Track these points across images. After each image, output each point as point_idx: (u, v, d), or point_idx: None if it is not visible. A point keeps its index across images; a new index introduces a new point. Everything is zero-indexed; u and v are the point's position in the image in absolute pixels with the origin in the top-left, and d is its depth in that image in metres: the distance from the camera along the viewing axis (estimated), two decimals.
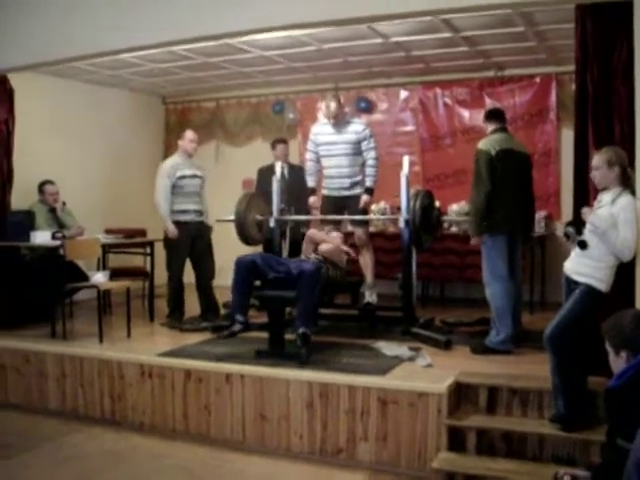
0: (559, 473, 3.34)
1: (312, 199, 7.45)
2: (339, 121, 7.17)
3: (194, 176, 7.59)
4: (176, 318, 7.48)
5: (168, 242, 7.48)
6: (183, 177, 7.47)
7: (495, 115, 6.30)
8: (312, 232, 6.69)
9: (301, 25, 6.28)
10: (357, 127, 7.22)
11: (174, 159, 7.65)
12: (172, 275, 7.52)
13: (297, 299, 5.96)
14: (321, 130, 7.34)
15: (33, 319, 7.41)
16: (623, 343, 3.01)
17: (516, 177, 6.07)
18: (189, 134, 7.72)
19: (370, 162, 7.24)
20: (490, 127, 6.21)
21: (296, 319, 5.93)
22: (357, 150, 7.21)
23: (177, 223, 7.41)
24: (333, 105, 7.06)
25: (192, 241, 7.49)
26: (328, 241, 6.76)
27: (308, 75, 9.58)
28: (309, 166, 7.51)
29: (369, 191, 7.24)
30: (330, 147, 7.30)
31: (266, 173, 8.61)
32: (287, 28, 6.44)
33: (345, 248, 6.86)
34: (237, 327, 6.01)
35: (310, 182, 7.52)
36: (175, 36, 6.44)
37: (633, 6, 4.71)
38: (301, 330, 5.75)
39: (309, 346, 5.78)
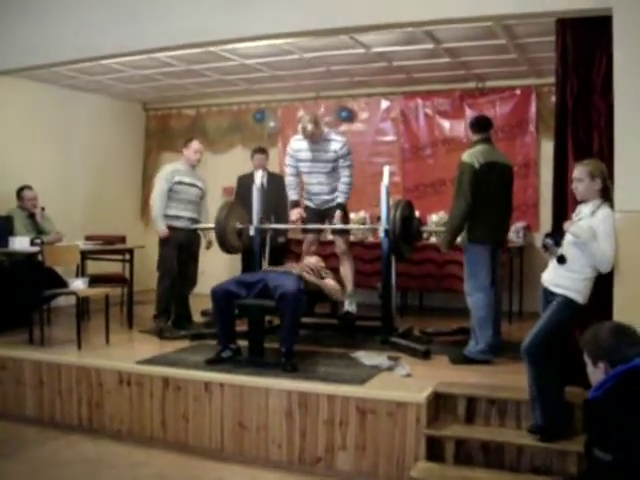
0: None
1: (295, 213, 7.42)
2: (316, 140, 7.15)
3: (192, 185, 7.55)
4: (164, 320, 7.40)
5: (161, 243, 7.46)
6: (180, 183, 7.43)
7: (481, 124, 6.26)
8: (306, 277, 6.60)
9: (284, 35, 6.35)
10: (335, 145, 7.12)
11: (176, 165, 7.62)
12: (162, 275, 7.47)
13: (280, 320, 6.06)
14: (300, 146, 7.25)
15: (11, 325, 7.33)
16: (601, 355, 3.04)
17: (499, 189, 6.11)
18: (195, 144, 7.65)
19: (344, 179, 7.20)
20: (475, 136, 6.21)
21: (280, 339, 5.93)
22: (336, 166, 7.20)
23: (169, 228, 7.38)
24: (310, 127, 6.95)
25: (180, 248, 7.46)
26: (323, 287, 6.71)
27: (290, 84, 9.59)
28: (290, 180, 7.46)
29: (341, 207, 7.22)
30: (310, 165, 7.25)
31: (245, 182, 8.63)
32: (270, 37, 6.52)
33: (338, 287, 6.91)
34: (226, 353, 6.04)
35: (292, 195, 7.48)
36: (158, 44, 6.50)
37: (612, 20, 4.77)
38: (284, 349, 5.82)
39: (293, 360, 5.80)
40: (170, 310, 7.49)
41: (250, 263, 8.11)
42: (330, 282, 6.76)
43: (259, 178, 7.51)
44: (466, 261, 6.11)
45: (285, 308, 5.83)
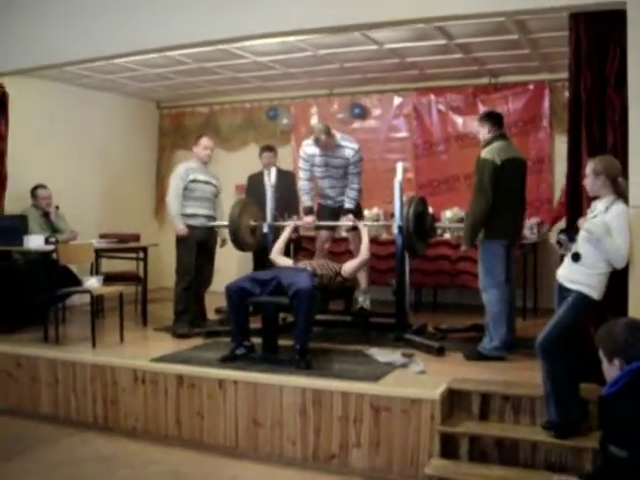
0: None
1: (309, 219, 7.44)
2: (329, 148, 7.16)
3: (207, 182, 7.52)
4: (185, 322, 7.31)
5: (178, 243, 7.43)
6: (195, 181, 7.40)
7: (494, 119, 6.21)
8: (320, 272, 6.59)
9: (297, 32, 6.39)
10: (348, 152, 7.17)
11: (189, 163, 7.59)
12: (181, 277, 7.40)
13: (294, 317, 6.05)
14: (313, 152, 7.28)
15: (26, 323, 7.39)
16: (616, 351, 3.02)
17: (517, 185, 6.10)
18: (204, 141, 7.61)
19: (354, 186, 7.27)
20: (487, 131, 6.14)
21: (295, 337, 5.92)
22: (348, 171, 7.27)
23: (186, 227, 7.35)
24: (323, 137, 7.00)
25: (198, 246, 7.44)
26: (341, 271, 6.67)
27: (303, 81, 9.59)
28: (304, 185, 7.50)
29: (351, 212, 7.26)
30: (324, 169, 7.33)
31: (255, 180, 8.68)
32: (283, 35, 6.53)
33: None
34: (240, 351, 6.06)
35: (307, 202, 7.51)
36: (172, 42, 6.52)
37: (626, 15, 4.75)
38: (298, 346, 5.82)
39: (307, 357, 5.80)
40: (189, 311, 7.41)
41: (262, 261, 8.14)
42: (346, 264, 6.74)
43: (272, 176, 7.52)
44: (482, 257, 6.09)
45: (299, 306, 5.83)
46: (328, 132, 7.05)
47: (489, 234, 5.95)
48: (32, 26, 7.01)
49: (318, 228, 7.62)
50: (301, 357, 5.77)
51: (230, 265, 9.28)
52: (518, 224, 6.29)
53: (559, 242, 4.69)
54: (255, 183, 8.65)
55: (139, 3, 6.54)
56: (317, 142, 7.09)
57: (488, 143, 6.10)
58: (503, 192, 5.88)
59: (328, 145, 7.11)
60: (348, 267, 6.65)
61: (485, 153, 5.98)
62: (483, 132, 6.18)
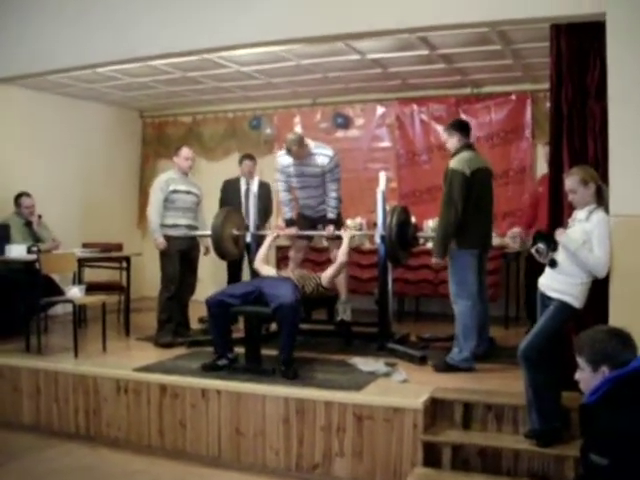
0: None
1: (291, 231, 7.44)
2: (302, 157, 7.14)
3: (188, 192, 7.51)
4: (168, 332, 7.29)
5: (161, 253, 7.41)
6: (176, 191, 7.40)
7: (462, 127, 6.22)
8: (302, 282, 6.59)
9: (280, 42, 6.42)
10: (322, 160, 7.13)
11: (169, 174, 7.57)
12: (165, 287, 7.39)
13: (278, 330, 6.07)
14: (287, 162, 7.27)
15: (7, 333, 7.34)
16: (602, 359, 3.02)
17: (487, 195, 6.14)
18: (184, 151, 7.59)
19: (332, 194, 7.26)
20: (457, 140, 6.13)
21: (280, 349, 5.89)
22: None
23: (167, 237, 7.33)
24: (294, 147, 6.98)
25: (180, 256, 7.43)
26: (322, 282, 6.63)
27: (286, 90, 9.61)
28: (283, 197, 7.49)
29: (333, 222, 7.26)
30: (300, 180, 7.31)
31: (231, 186, 8.72)
32: (266, 45, 6.57)
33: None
34: (223, 362, 6.05)
35: (287, 213, 7.53)
36: (155, 51, 6.54)
37: (606, 26, 4.79)
38: (283, 357, 5.83)
39: (293, 367, 5.82)
40: (172, 320, 7.40)
41: (236, 270, 8.17)
42: (324, 273, 6.73)
43: (255, 186, 7.53)
44: (452, 268, 6.07)
45: (282, 320, 5.84)
46: (299, 142, 7.02)
47: (459, 244, 5.95)
48: (15, 34, 7.00)
49: (302, 237, 7.59)
50: (287, 367, 5.77)
51: (215, 274, 9.27)
52: (488, 233, 6.32)
53: (537, 251, 4.70)
54: (230, 188, 8.67)
55: (122, 13, 6.53)
56: (289, 153, 7.09)
57: (456, 152, 6.11)
58: (473, 202, 5.90)
59: (300, 155, 7.09)
60: (326, 275, 6.64)
61: (455, 163, 5.97)
62: (452, 141, 6.17)
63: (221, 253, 7.26)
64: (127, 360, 6.64)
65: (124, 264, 8.31)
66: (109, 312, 7.37)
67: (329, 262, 7.46)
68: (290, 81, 9.04)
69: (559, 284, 4.57)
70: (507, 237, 7.30)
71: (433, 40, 7.09)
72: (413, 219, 7.15)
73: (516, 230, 7.53)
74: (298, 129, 9.91)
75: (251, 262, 7.22)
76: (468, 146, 6.17)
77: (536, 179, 8.40)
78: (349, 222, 8.55)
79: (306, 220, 7.52)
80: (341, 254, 6.67)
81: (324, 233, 7.30)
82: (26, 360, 6.61)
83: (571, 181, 4.60)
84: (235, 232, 7.30)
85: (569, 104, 5.14)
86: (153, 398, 5.89)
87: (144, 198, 10.10)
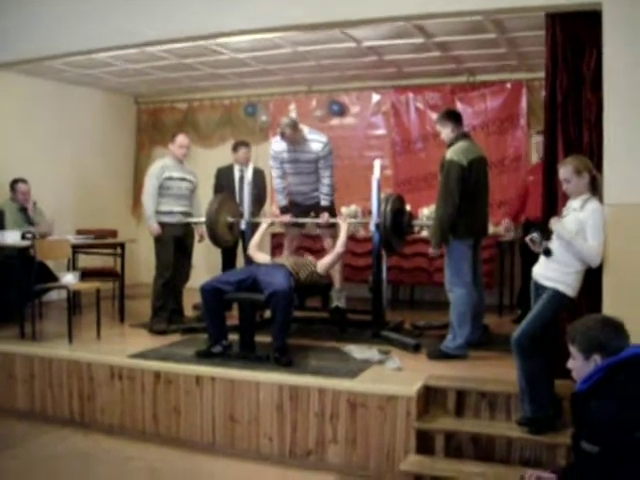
0: (525, 475, 3.37)
1: (285, 219, 7.42)
2: (296, 142, 7.12)
3: (183, 179, 7.52)
4: (163, 318, 7.31)
5: (156, 240, 7.43)
6: (170, 178, 7.40)
7: (455, 118, 6.22)
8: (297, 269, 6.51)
9: (275, 29, 6.38)
10: (316, 146, 7.10)
11: (164, 160, 7.58)
12: (160, 273, 7.41)
13: (272, 317, 6.06)
14: (281, 147, 7.23)
15: (2, 320, 7.34)
16: (595, 347, 3.03)
17: (483, 184, 6.15)
18: (180, 139, 7.56)
19: (325, 181, 7.23)
20: (450, 130, 6.12)
21: (273, 336, 5.92)
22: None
23: (162, 224, 7.35)
24: (288, 131, 6.94)
25: (175, 242, 7.44)
26: (317, 268, 6.62)
27: (281, 77, 9.59)
28: (277, 183, 7.48)
29: (327, 209, 7.24)
30: (293, 166, 7.27)
31: (225, 174, 8.70)
32: (261, 32, 6.55)
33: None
34: (217, 349, 6.07)
35: (281, 201, 7.53)
36: (150, 37, 6.49)
37: (602, 15, 4.79)
38: (277, 345, 5.84)
39: (287, 354, 5.84)
40: (167, 307, 7.42)
41: (231, 257, 8.17)
42: (321, 261, 6.72)
43: (249, 173, 7.52)
44: (448, 257, 6.08)
45: (276, 306, 5.85)
46: (294, 126, 6.99)
47: (456, 234, 5.97)
48: (9, 20, 6.96)
49: (295, 225, 7.58)
50: (281, 354, 5.78)
51: (209, 261, 9.27)
52: (484, 222, 6.33)
53: (532, 240, 4.71)
54: (224, 176, 8.65)
55: None
56: (283, 136, 7.03)
57: (452, 142, 6.11)
58: (469, 192, 5.91)
59: (294, 139, 7.05)
60: (322, 263, 6.64)
61: (451, 154, 5.96)
62: (446, 132, 6.16)
63: (216, 240, 7.27)
64: (121, 346, 6.65)
65: (118, 250, 8.31)
66: (103, 298, 7.38)
67: (323, 250, 7.47)
68: (286, 68, 9.03)
69: (553, 273, 4.58)
70: (501, 226, 7.37)
71: (429, 28, 7.08)
72: (408, 207, 7.15)
73: (507, 221, 7.58)
74: (293, 116, 9.89)
75: (245, 249, 7.22)
76: (464, 135, 6.17)
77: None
78: (344, 210, 8.55)
79: (297, 207, 7.50)
80: (339, 244, 6.67)
81: (319, 220, 7.26)
82: (20, 346, 6.62)
83: (565, 170, 4.60)
84: (229, 219, 7.29)
85: (564, 93, 5.13)
86: (147, 385, 5.90)
87: (139, 185, 10.09)
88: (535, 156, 7.87)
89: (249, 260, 6.96)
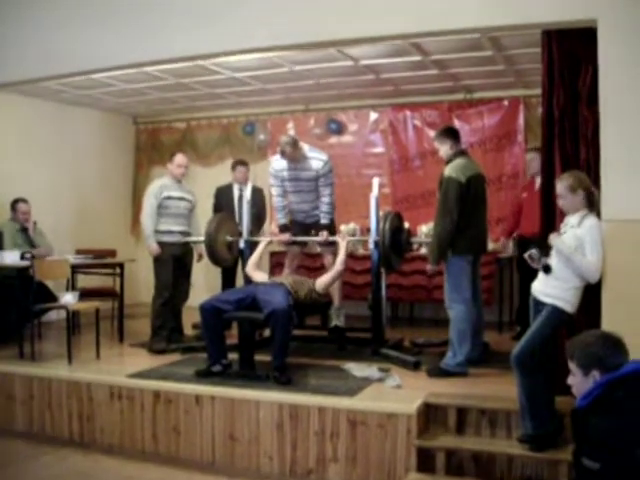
0: None
1: (284, 237, 7.43)
2: (296, 160, 7.12)
3: (181, 198, 7.54)
4: (162, 338, 7.29)
5: (155, 260, 7.43)
6: (169, 198, 7.42)
7: (452, 134, 6.23)
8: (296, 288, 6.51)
9: (272, 48, 6.39)
10: (317, 164, 7.10)
11: (163, 180, 7.60)
12: (159, 293, 7.40)
13: (271, 335, 6.05)
14: (281, 166, 7.22)
15: (1, 340, 7.34)
16: (594, 363, 3.03)
17: (480, 201, 6.15)
18: (178, 158, 7.59)
19: (325, 199, 7.22)
20: (449, 147, 6.13)
21: (273, 355, 5.91)
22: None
23: (161, 243, 7.36)
24: (288, 149, 6.94)
25: (174, 261, 7.44)
26: (316, 287, 6.60)
27: (279, 96, 9.62)
28: (277, 202, 7.45)
29: (327, 227, 7.23)
30: (294, 184, 7.26)
31: (224, 193, 8.72)
32: (259, 51, 6.55)
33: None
34: (217, 368, 6.05)
35: (281, 219, 7.49)
36: (148, 57, 6.52)
37: (597, 32, 4.81)
38: (277, 364, 5.83)
39: (287, 373, 5.83)
40: (166, 326, 7.40)
41: (230, 276, 8.16)
42: (319, 279, 6.70)
43: (248, 192, 7.53)
44: (448, 273, 6.08)
45: (275, 325, 5.84)
46: (294, 144, 6.99)
47: (455, 251, 5.97)
48: (7, 41, 7.00)
49: (295, 243, 7.58)
50: (281, 373, 5.77)
51: (208, 280, 9.27)
52: (483, 239, 6.33)
53: (531, 256, 4.71)
54: (223, 195, 8.68)
55: (115, 19, 6.53)
56: (283, 154, 7.03)
57: (450, 160, 6.12)
58: (468, 209, 5.92)
59: (294, 157, 7.06)
60: (321, 281, 6.63)
61: (450, 171, 5.97)
62: (445, 149, 6.17)
63: (215, 259, 7.26)
64: (121, 366, 6.65)
65: (117, 270, 8.30)
66: (103, 318, 7.36)
67: (323, 268, 7.47)
68: (283, 87, 9.06)
69: (552, 289, 4.58)
70: (500, 243, 7.38)
71: (426, 46, 7.11)
72: (407, 224, 7.16)
73: (504, 239, 7.64)
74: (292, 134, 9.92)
75: (245, 268, 7.22)
76: (462, 152, 6.19)
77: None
78: (343, 228, 8.56)
79: (298, 226, 7.51)
80: (338, 262, 6.67)
81: (319, 239, 7.26)
82: (20, 367, 6.60)
83: (560, 187, 4.61)
84: (228, 238, 7.30)
85: (561, 109, 5.15)
86: (147, 404, 5.88)
87: (138, 205, 10.09)
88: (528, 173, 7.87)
89: (248, 279, 6.95)
